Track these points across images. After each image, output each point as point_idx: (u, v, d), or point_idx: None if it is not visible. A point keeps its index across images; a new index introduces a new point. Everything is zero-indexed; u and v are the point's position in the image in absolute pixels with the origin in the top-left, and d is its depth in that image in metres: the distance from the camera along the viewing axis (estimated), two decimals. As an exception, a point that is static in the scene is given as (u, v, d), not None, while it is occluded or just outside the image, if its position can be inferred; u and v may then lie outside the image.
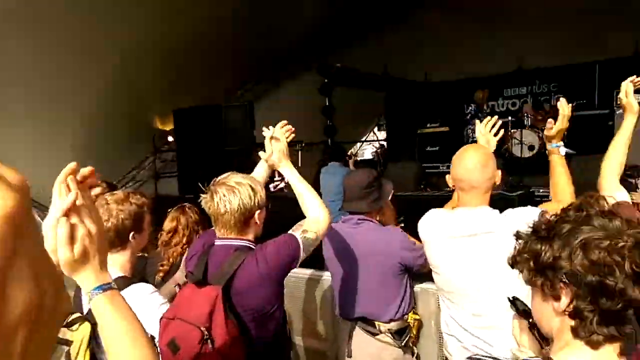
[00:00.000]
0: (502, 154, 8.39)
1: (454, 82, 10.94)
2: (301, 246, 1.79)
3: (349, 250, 2.35)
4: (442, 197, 5.29)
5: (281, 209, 2.62)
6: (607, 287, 0.88)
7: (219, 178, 1.78)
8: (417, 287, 2.58)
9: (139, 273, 2.32)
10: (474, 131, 8.05)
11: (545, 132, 2.11)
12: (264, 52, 10.86)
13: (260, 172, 2.17)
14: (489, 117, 2.28)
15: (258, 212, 1.79)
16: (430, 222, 2.04)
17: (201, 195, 1.79)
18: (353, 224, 2.38)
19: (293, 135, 2.18)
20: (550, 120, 2.09)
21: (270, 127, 2.12)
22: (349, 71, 9.68)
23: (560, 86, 9.31)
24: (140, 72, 8.38)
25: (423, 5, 12.03)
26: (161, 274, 2.61)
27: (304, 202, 1.98)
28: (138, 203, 1.88)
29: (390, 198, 2.50)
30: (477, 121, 2.33)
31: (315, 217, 1.92)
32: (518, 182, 5.83)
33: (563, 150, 2.06)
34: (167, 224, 2.74)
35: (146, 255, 2.75)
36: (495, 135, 2.24)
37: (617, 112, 7.23)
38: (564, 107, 2.05)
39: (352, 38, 12.36)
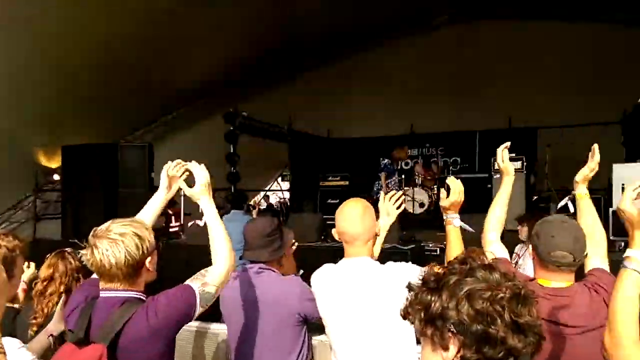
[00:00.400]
0: (396, 209, 8.89)
1: (355, 140, 11.63)
2: (198, 300, 1.68)
3: (247, 300, 2.29)
4: (342, 249, 5.41)
5: (177, 256, 2.51)
6: (490, 336, 0.94)
7: (99, 229, 1.61)
8: (315, 340, 2.57)
9: (7, 326, 2.05)
10: (379, 186, 8.63)
11: (440, 203, 2.25)
12: (169, 91, 10.62)
13: (151, 209, 2.04)
14: (393, 192, 2.45)
15: (149, 259, 1.67)
16: (320, 275, 2.11)
17: (80, 251, 1.62)
18: (253, 273, 2.34)
19: (187, 174, 2.10)
20: (442, 190, 2.23)
21: (169, 162, 2.06)
22: (255, 121, 9.81)
23: (446, 150, 10.25)
24: (22, 98, 7.60)
25: (326, 64, 12.76)
26: (34, 328, 2.32)
27: (214, 245, 1.86)
28: (9, 246, 1.69)
29: (291, 248, 2.51)
30: (382, 193, 2.50)
31: (220, 267, 1.82)
32: (410, 236, 6.18)
33: (458, 222, 2.16)
34: (43, 271, 2.47)
35: (17, 306, 2.45)
36: (398, 208, 2.41)
37: (495, 177, 8.06)
38: (454, 184, 2.17)
39: (262, 87, 12.64)
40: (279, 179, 13.32)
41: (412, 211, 7.46)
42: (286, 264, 2.52)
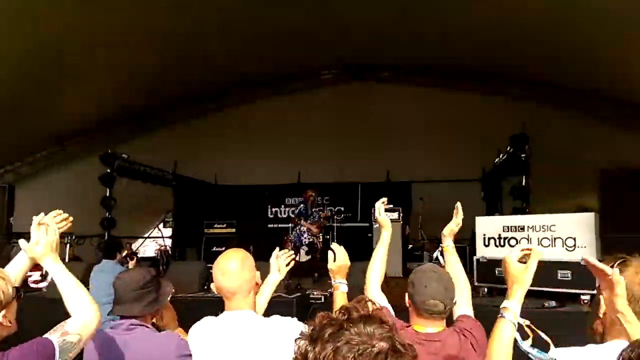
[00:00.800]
0: (282, 257, 8.88)
1: (242, 187, 11.57)
2: (57, 352, 1.52)
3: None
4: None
5: (38, 309, 2.22)
6: None
7: None
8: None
9: None
10: (299, 231, 8.55)
11: (329, 266, 2.33)
12: (39, 129, 9.71)
13: (17, 265, 1.85)
14: (285, 250, 2.47)
15: (3, 312, 1.50)
16: (199, 329, 2.01)
17: None
18: (124, 329, 2.13)
19: (69, 225, 1.96)
20: (330, 253, 2.32)
21: (42, 214, 1.86)
22: (136, 164, 9.30)
23: (331, 200, 10.61)
24: None
25: (215, 110, 12.74)
26: None
27: (68, 300, 1.74)
28: None
29: (170, 299, 2.36)
30: (276, 250, 2.51)
31: (80, 315, 1.69)
32: (296, 284, 6.19)
33: (344, 287, 2.27)
34: None
35: None
36: (287, 265, 2.47)
37: (375, 226, 8.49)
38: (339, 250, 2.32)
39: (146, 130, 12.13)
40: (161, 226, 12.62)
41: (298, 259, 7.50)
42: (166, 317, 2.37)
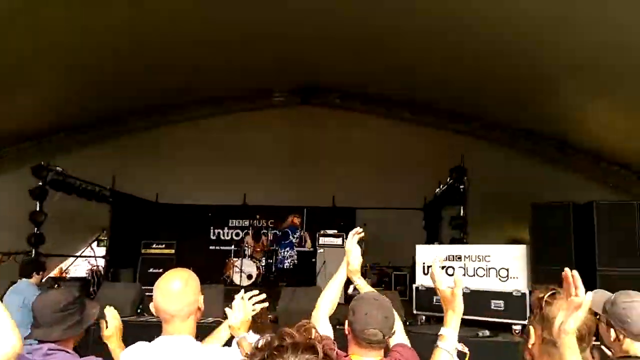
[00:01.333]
0: (223, 280, 8.68)
1: (185, 207, 11.24)
2: None
3: None
4: (159, 325, 4.98)
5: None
6: None
7: None
8: None
9: None
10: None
11: (349, 268, 2.37)
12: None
13: None
14: (252, 292, 2.32)
15: None
16: (130, 355, 1.87)
17: None
18: (42, 355, 1.96)
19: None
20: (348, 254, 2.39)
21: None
22: (71, 178, 8.83)
23: (276, 223, 10.52)
24: None
25: (158, 125, 12.41)
26: None
27: None
28: None
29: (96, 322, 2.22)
30: (241, 292, 2.31)
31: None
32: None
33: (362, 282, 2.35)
34: None
35: None
36: (254, 310, 2.29)
37: (319, 251, 8.49)
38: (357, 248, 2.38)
39: (82, 142, 11.58)
40: (94, 244, 11.97)
41: (239, 282, 7.34)
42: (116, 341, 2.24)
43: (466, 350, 1.57)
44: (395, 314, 2.21)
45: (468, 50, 8.38)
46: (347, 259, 2.43)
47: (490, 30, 7.48)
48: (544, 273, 4.93)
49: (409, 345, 2.12)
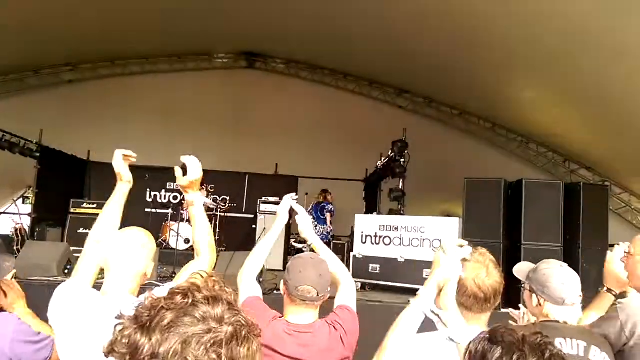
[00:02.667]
0: (159, 244, 8.46)
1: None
2: None
3: None
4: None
5: None
6: None
7: None
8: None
9: None
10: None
11: (178, 182, 2.10)
12: None
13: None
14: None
15: None
16: (63, 300, 1.71)
17: None
18: None
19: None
20: (176, 169, 2.10)
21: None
22: (-7, 128, 8.16)
23: (216, 188, 10.32)
24: None
25: (92, 79, 11.70)
26: None
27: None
28: None
29: (12, 278, 2.08)
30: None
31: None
32: (170, 273, 5.91)
33: (201, 200, 2.09)
34: None
35: None
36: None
37: (260, 218, 8.45)
38: (193, 161, 2.11)
39: (6, 90, 10.72)
40: (19, 202, 11.24)
41: (175, 247, 7.19)
42: (11, 297, 2.09)
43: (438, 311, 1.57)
44: (345, 277, 2.22)
45: (415, 30, 8.54)
46: (279, 220, 2.40)
47: (436, 16, 7.69)
48: (474, 245, 5.19)
49: (354, 308, 2.10)
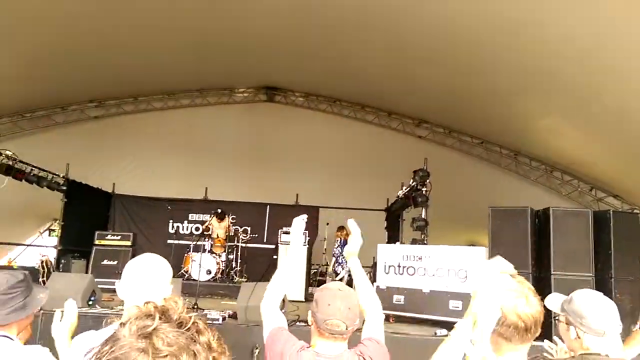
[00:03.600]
0: (181, 275, 8.47)
1: (143, 199, 10.93)
2: None
3: None
4: (111, 316, 4.80)
5: None
6: None
7: None
8: None
9: None
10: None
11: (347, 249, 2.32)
12: None
13: None
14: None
15: None
16: (82, 342, 1.76)
17: None
18: None
19: None
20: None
21: None
22: (23, 163, 8.41)
23: (238, 218, 10.37)
24: None
25: (115, 114, 12.02)
26: None
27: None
28: None
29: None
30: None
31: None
32: (193, 304, 5.89)
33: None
34: None
35: None
36: None
37: (282, 248, 8.42)
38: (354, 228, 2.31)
39: (35, 126, 11.10)
40: (45, 234, 11.45)
41: (197, 278, 7.18)
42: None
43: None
44: (376, 308, 2.17)
45: (432, 62, 8.63)
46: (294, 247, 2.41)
47: (453, 47, 7.76)
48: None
49: (383, 340, 2.06)
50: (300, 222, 2.40)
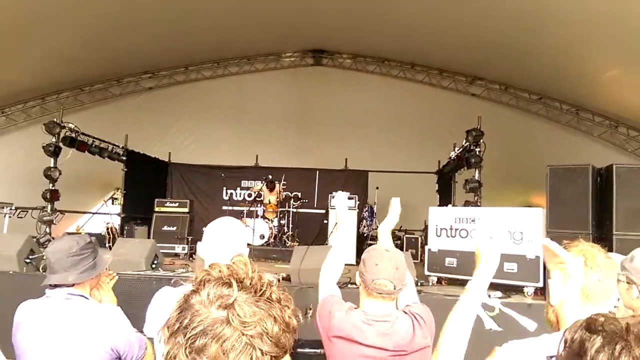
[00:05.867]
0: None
1: (197, 166, 11.31)
2: None
3: (49, 332, 1.91)
4: (174, 279, 5.07)
5: None
6: None
7: None
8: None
9: None
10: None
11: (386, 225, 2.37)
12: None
13: None
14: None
15: None
16: (163, 296, 1.87)
17: None
18: (61, 299, 1.96)
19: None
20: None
21: None
22: (85, 135, 8.86)
23: (289, 184, 10.52)
24: None
25: (168, 85, 12.31)
26: None
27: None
28: None
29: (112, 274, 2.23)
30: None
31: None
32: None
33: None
34: None
35: None
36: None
37: (332, 212, 8.50)
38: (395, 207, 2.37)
39: (94, 100, 11.61)
40: (110, 202, 12.13)
41: (251, 242, 7.42)
42: (104, 294, 2.23)
43: (496, 304, 1.52)
44: (408, 273, 2.18)
45: (486, 16, 8.14)
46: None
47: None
48: (560, 237, 4.87)
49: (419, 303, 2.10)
50: (343, 198, 2.46)
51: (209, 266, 0.89)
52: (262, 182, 9.70)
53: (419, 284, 5.50)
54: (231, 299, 0.80)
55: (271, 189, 9.52)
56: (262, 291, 0.84)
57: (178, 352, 0.80)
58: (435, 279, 5.86)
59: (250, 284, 0.84)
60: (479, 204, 7.29)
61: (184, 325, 0.80)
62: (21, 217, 7.92)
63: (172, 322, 0.83)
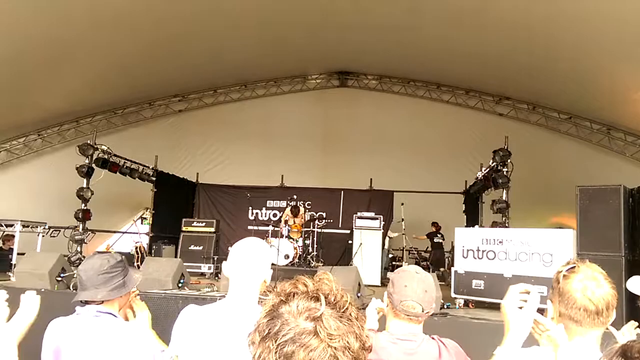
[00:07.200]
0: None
1: (224, 187, 11.48)
2: None
3: (78, 350, 1.95)
4: (200, 298, 5.13)
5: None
6: None
7: None
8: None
9: None
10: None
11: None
12: (15, 113, 9.54)
13: None
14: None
15: None
16: (191, 312, 1.89)
17: None
18: (89, 317, 2.00)
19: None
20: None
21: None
22: (117, 156, 9.13)
23: (313, 204, 10.56)
24: None
25: (197, 107, 12.61)
26: None
27: None
28: None
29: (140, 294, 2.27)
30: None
31: None
32: (273, 287, 6.11)
33: None
34: None
35: None
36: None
37: (356, 233, 8.46)
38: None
39: (125, 123, 11.98)
40: (139, 222, 12.41)
41: (276, 262, 7.44)
42: (137, 308, 2.27)
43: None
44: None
45: (513, 37, 8.13)
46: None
47: (538, 17, 7.24)
48: (591, 259, 4.73)
49: None
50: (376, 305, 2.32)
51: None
52: (287, 204, 9.74)
53: (445, 306, 5.40)
54: (319, 312, 0.86)
55: (295, 214, 9.55)
56: (345, 308, 0.89)
57: (268, 356, 0.86)
58: (462, 302, 5.74)
59: (334, 299, 0.90)
60: (507, 224, 7.15)
61: (274, 331, 0.86)
62: (54, 237, 8.15)
63: (262, 328, 0.89)
